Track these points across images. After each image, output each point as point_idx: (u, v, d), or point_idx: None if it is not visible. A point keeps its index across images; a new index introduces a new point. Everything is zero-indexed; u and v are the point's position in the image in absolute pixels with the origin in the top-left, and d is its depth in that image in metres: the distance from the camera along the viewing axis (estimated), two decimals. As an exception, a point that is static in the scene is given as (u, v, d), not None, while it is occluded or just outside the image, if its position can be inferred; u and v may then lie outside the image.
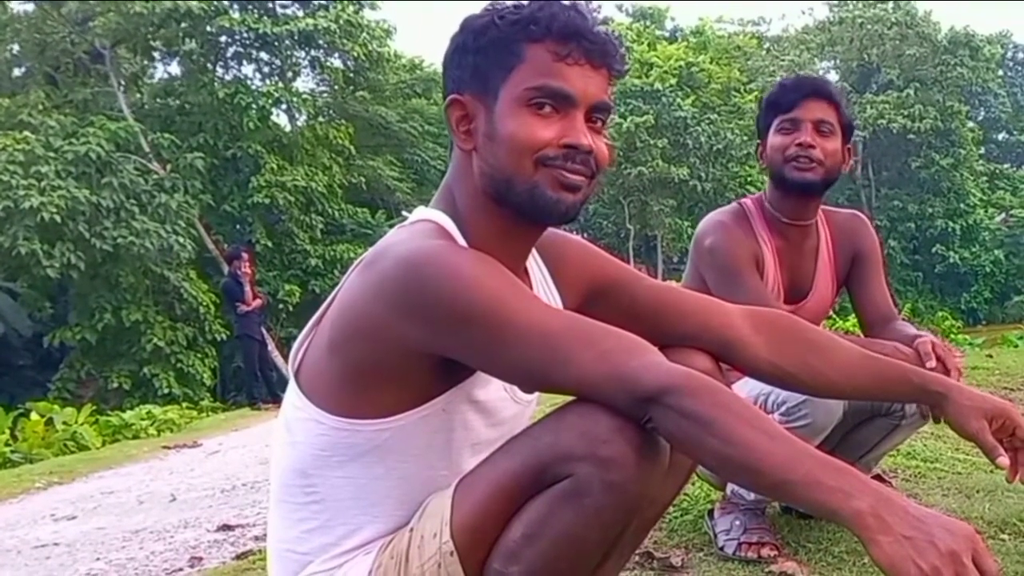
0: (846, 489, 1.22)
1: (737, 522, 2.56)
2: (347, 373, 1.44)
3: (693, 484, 2.89)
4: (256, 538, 3.77)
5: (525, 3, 1.46)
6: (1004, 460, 1.59)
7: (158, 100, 24.01)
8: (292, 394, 1.52)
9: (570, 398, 1.40)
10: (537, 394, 1.58)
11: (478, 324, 1.34)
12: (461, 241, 1.48)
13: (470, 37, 1.48)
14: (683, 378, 1.32)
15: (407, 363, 1.41)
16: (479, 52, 1.46)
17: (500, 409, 1.53)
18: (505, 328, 1.34)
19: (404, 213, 1.58)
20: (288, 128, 25.09)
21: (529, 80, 1.44)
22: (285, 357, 18.02)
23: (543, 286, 1.64)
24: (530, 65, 1.44)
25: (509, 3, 1.47)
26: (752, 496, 2.54)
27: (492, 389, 1.49)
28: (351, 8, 23.62)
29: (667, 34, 40.83)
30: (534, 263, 1.64)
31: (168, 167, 20.82)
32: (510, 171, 1.44)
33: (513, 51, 1.44)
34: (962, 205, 35.35)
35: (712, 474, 2.64)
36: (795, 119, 2.56)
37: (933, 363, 2.21)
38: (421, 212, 1.54)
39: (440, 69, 1.57)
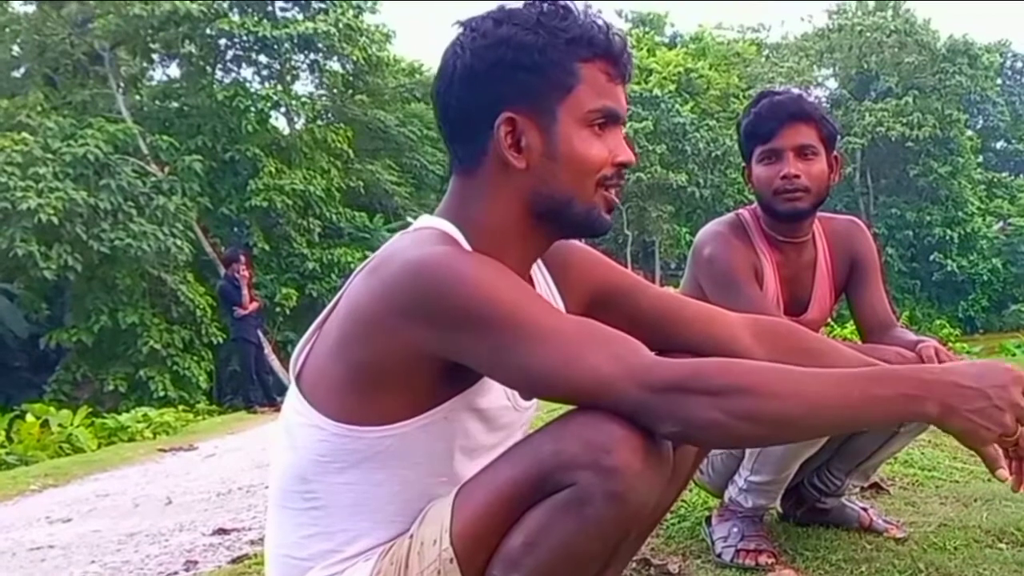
0: (908, 375, 1.36)
1: (735, 529, 2.56)
2: (352, 379, 1.43)
3: (691, 491, 2.89)
4: (252, 542, 3.77)
5: (558, 17, 1.45)
6: (1004, 473, 1.57)
7: (157, 102, 24.03)
8: (293, 399, 1.51)
9: (572, 407, 1.39)
10: (535, 401, 1.57)
11: (492, 326, 1.34)
12: (467, 248, 1.47)
13: (519, 53, 1.44)
14: (700, 364, 1.36)
15: (414, 369, 1.41)
16: (532, 69, 1.44)
17: (499, 416, 1.52)
18: (518, 329, 1.34)
19: (409, 219, 1.58)
20: (286, 131, 25.11)
21: (591, 102, 1.46)
22: (282, 361, 18.09)
23: (546, 292, 1.64)
24: (588, 86, 1.46)
25: (531, 12, 1.46)
26: (750, 503, 2.55)
27: (493, 397, 1.49)
28: (350, 12, 23.66)
29: (666, 40, 40.92)
30: (537, 269, 1.64)
31: (166, 169, 20.81)
32: (572, 192, 1.48)
33: (570, 71, 1.45)
34: (960, 213, 35.38)
35: (715, 478, 2.64)
36: (775, 149, 2.50)
37: None
38: (425, 220, 1.54)
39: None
